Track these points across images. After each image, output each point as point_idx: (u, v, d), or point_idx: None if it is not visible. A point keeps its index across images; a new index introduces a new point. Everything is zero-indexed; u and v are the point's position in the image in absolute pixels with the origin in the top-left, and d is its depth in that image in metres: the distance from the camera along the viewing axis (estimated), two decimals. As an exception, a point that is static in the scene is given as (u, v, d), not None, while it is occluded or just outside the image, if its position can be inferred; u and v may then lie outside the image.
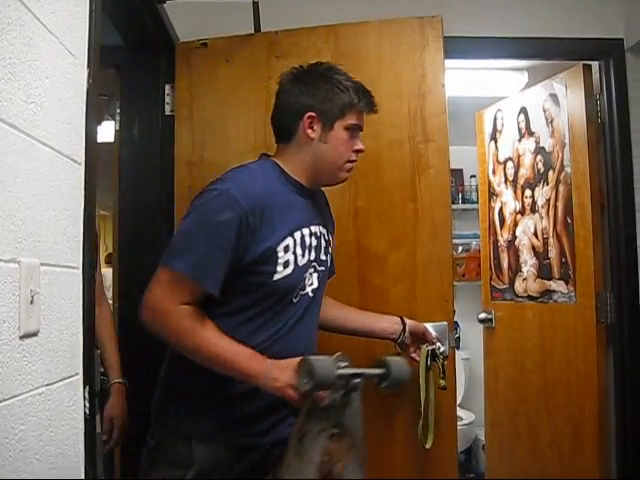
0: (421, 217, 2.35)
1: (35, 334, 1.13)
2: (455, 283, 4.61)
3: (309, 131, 1.70)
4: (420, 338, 2.08)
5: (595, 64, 2.95)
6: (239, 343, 1.57)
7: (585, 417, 2.88)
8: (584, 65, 2.92)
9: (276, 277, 1.62)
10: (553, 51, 2.94)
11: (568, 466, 2.97)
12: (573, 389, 2.95)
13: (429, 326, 2.16)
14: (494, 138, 3.51)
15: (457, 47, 2.61)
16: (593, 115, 2.90)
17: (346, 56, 2.40)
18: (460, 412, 4.30)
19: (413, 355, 2.07)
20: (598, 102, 2.91)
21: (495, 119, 3.50)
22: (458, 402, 4.44)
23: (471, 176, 4.70)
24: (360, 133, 1.77)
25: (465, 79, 3.72)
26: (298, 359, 1.52)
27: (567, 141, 2.97)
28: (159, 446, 1.70)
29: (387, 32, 2.44)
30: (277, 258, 1.62)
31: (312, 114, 1.69)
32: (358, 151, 1.76)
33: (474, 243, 4.53)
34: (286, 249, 1.65)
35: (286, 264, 1.64)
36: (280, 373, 1.53)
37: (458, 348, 4.74)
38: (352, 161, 1.77)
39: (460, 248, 4.76)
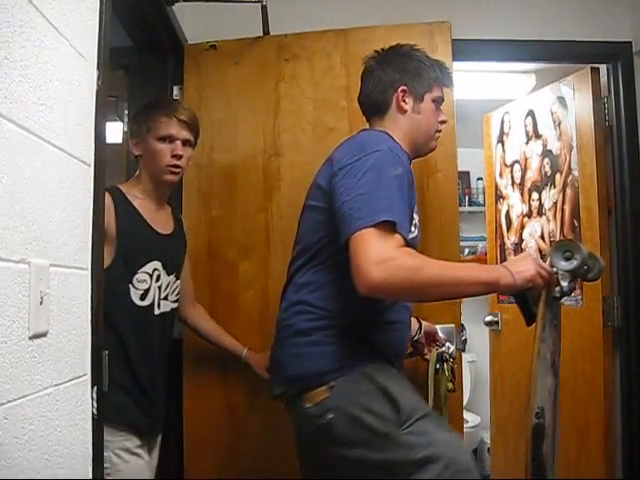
0: (429, 220, 2.36)
1: (44, 335, 1.14)
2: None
3: (402, 103, 1.84)
4: (431, 339, 2.17)
5: (603, 67, 2.94)
6: None
7: (591, 420, 2.87)
8: (592, 68, 2.91)
9: (410, 236, 1.66)
10: (561, 54, 2.94)
11: (574, 469, 2.96)
12: (579, 392, 2.94)
13: (438, 328, 2.22)
14: (501, 141, 3.51)
15: (465, 49, 2.61)
16: (601, 118, 2.90)
17: (355, 60, 2.39)
18: (465, 415, 4.28)
19: (427, 356, 2.15)
20: (606, 105, 2.91)
21: (502, 122, 3.50)
22: (464, 405, 4.45)
23: (478, 179, 4.70)
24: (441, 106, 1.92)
25: (473, 82, 3.72)
26: (526, 253, 1.59)
27: (574, 144, 2.96)
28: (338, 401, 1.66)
29: (396, 37, 2.41)
30: (412, 219, 1.70)
31: (404, 88, 1.83)
32: (443, 122, 1.92)
33: (481, 246, 4.53)
34: (416, 212, 1.76)
35: (415, 226, 1.73)
36: (524, 264, 1.61)
37: (464, 351, 4.74)
38: (439, 131, 1.92)
39: (466, 251, 4.76)
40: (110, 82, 1.50)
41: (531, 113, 3.27)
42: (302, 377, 1.69)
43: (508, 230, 3.44)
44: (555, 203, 3.07)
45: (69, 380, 1.25)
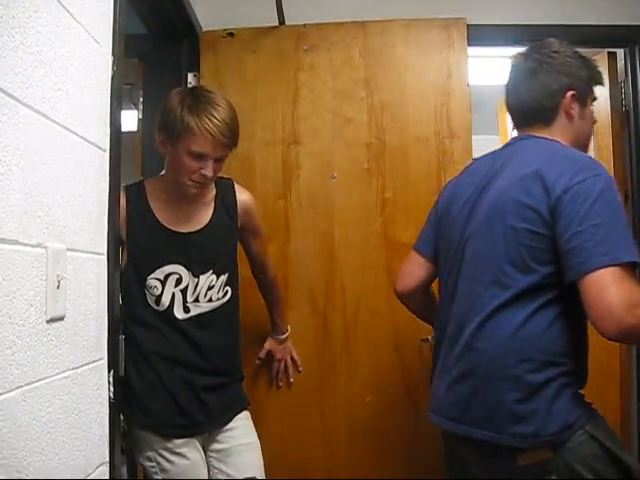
0: None
1: (61, 318, 1.15)
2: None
3: (571, 109, 1.67)
4: None
5: (620, 51, 2.90)
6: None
7: (608, 410, 2.81)
8: (609, 52, 2.88)
9: None
10: (577, 38, 2.85)
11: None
12: (595, 382, 2.87)
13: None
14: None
15: (480, 35, 2.62)
16: (617, 103, 2.86)
17: (374, 52, 2.48)
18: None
19: None
20: (623, 90, 2.87)
21: (518, 108, 3.46)
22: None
23: (493, 165, 4.68)
24: None
25: (489, 67, 3.69)
26: None
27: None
28: None
29: (414, 31, 2.51)
30: None
31: (574, 92, 1.67)
32: (594, 123, 1.79)
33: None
34: None
35: None
36: None
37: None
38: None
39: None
40: (125, 69, 1.50)
41: (547, 99, 3.23)
42: (528, 435, 1.46)
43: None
44: (571, 189, 3.04)
45: (86, 364, 1.27)
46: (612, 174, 2.78)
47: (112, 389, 1.38)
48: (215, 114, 1.80)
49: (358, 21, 2.52)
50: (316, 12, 2.57)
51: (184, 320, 1.90)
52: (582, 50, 2.93)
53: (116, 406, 1.40)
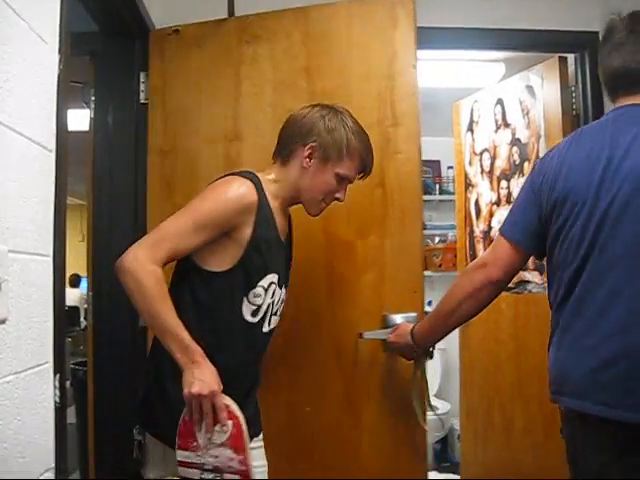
0: (390, 204, 2.30)
1: (3, 322, 1.12)
2: (432, 274, 4.74)
3: None
4: None
5: (571, 56, 2.97)
6: None
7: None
8: (560, 57, 2.93)
9: None
10: (529, 43, 2.95)
11: (542, 455, 3.00)
12: (546, 378, 2.96)
13: (399, 317, 2.19)
14: (471, 129, 3.53)
15: (432, 37, 2.62)
16: (568, 107, 2.92)
17: (316, 39, 2.36)
18: (436, 402, 4.34)
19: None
20: (573, 94, 2.93)
21: (472, 110, 3.51)
22: (434, 392, 4.50)
23: (448, 167, 4.74)
24: None
25: (443, 70, 3.74)
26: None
27: (542, 133, 2.99)
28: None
29: (357, 12, 2.37)
30: None
31: None
32: None
33: (451, 234, 4.56)
34: None
35: None
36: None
37: (435, 338, 4.78)
38: None
39: (437, 239, 4.79)
40: (75, 68, 1.48)
41: (500, 102, 3.28)
42: None
43: (477, 218, 3.46)
44: (523, 191, 3.09)
45: (30, 368, 1.24)
46: (562, 176, 2.86)
47: (58, 394, 1.36)
48: (367, 141, 1.88)
49: (299, 7, 2.40)
50: (267, 1, 2.47)
51: (265, 334, 1.82)
52: (534, 54, 3.06)
53: (62, 411, 1.37)
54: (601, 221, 1.54)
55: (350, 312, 2.31)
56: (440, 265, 4.69)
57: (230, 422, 1.57)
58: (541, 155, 2.97)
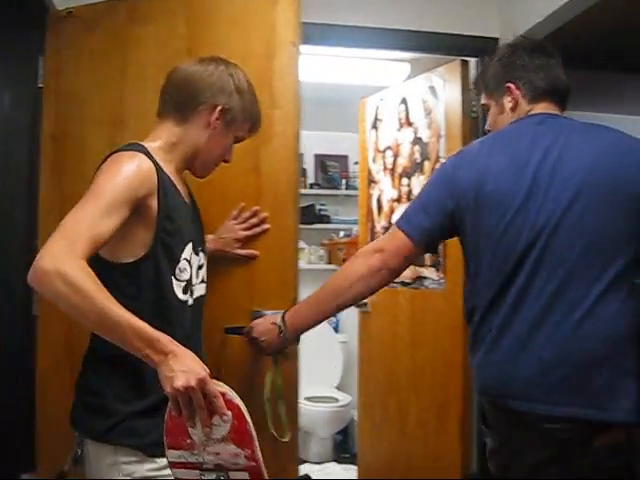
0: (264, 191, 2.16)
1: None
2: (336, 267, 4.78)
3: None
4: None
5: (473, 60, 3.07)
6: None
7: (450, 399, 3.00)
8: (462, 61, 3.03)
9: None
10: (433, 45, 3.04)
11: (433, 446, 3.10)
12: (439, 372, 3.07)
13: (271, 313, 2.02)
14: (375, 126, 3.58)
15: (333, 35, 2.67)
16: (468, 109, 3.01)
17: (199, 18, 2.26)
18: (337, 394, 4.41)
19: None
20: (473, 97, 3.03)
21: (377, 108, 3.57)
22: (336, 384, 4.56)
23: (355, 163, 4.78)
24: None
25: (352, 67, 3.78)
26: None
27: (443, 133, 3.07)
28: None
29: None
30: None
31: None
32: None
33: (355, 229, 4.61)
34: None
35: None
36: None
37: (337, 332, 4.84)
38: None
39: (342, 233, 4.85)
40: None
41: (404, 101, 3.35)
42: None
43: (379, 214, 3.52)
44: (423, 189, 3.17)
45: None
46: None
47: None
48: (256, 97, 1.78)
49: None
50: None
51: (190, 306, 1.66)
52: (437, 57, 3.14)
53: None
54: (539, 227, 1.58)
55: (217, 308, 2.07)
56: (344, 259, 4.75)
57: (229, 412, 1.33)
58: (442, 154, 3.06)
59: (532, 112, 1.76)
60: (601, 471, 1.51)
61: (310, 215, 4.85)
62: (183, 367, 1.29)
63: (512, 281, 1.60)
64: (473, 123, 3.03)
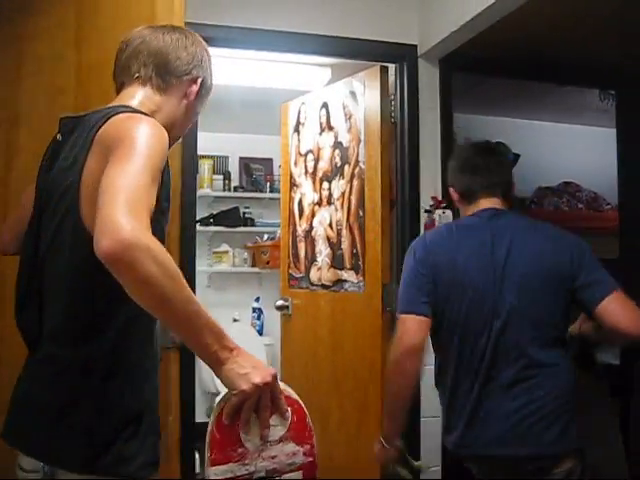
0: None
1: None
2: (260, 270, 4.78)
3: None
4: None
5: (392, 67, 3.11)
6: None
7: (370, 401, 3.03)
8: (382, 67, 3.07)
9: None
10: (353, 51, 3.06)
11: (354, 449, 3.13)
12: (360, 374, 3.10)
13: None
14: (297, 130, 3.60)
15: (247, 38, 2.70)
16: (387, 115, 3.06)
17: (87, 8, 2.18)
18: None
19: None
20: (392, 103, 3.08)
21: (299, 112, 3.58)
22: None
23: (279, 166, 4.79)
24: None
25: (276, 71, 3.77)
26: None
27: (362, 137, 3.11)
28: None
29: None
30: None
31: None
32: None
33: (279, 232, 4.62)
34: None
35: None
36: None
37: (261, 334, 4.84)
38: None
39: (266, 236, 4.86)
40: None
41: (325, 105, 3.38)
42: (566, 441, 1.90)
43: (300, 217, 3.54)
44: (343, 193, 3.21)
45: None
46: (379, 181, 3.00)
47: None
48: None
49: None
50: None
51: None
52: (358, 62, 3.16)
53: None
54: (498, 314, 1.91)
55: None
56: (268, 262, 4.75)
57: (289, 409, 1.29)
58: (361, 159, 3.09)
59: (481, 206, 2.05)
60: None
61: (234, 218, 4.83)
62: (253, 363, 1.22)
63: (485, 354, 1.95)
64: (392, 129, 3.08)
